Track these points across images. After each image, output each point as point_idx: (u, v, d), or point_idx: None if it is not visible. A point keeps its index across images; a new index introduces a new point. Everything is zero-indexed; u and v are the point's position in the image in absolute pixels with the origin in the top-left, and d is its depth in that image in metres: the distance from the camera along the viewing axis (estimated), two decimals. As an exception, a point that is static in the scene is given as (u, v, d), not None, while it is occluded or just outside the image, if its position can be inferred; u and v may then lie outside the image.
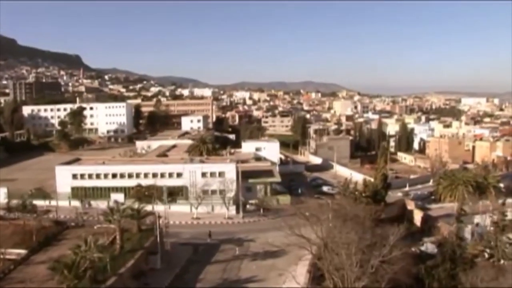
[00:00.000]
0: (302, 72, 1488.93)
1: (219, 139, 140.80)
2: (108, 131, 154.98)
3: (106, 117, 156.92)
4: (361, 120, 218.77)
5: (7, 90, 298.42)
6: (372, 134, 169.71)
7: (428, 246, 56.22)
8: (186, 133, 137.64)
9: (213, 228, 58.90)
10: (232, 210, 65.60)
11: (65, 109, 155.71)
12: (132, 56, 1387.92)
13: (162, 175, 70.02)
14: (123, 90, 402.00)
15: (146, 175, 70.60)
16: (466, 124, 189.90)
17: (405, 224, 43.97)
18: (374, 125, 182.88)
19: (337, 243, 37.21)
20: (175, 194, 68.85)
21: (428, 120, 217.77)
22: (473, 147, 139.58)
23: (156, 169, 71.76)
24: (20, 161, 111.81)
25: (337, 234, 38.54)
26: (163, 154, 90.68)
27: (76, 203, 68.64)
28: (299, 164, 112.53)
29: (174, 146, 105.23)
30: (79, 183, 71.69)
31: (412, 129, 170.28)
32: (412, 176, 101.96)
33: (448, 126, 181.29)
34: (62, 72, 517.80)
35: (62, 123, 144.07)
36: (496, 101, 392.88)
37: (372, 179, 69.83)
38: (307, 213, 45.79)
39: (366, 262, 35.14)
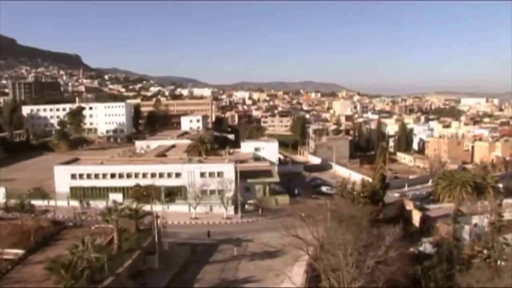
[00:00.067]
0: (302, 72, 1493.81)
1: (218, 139, 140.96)
2: (107, 131, 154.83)
3: (105, 117, 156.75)
4: (360, 120, 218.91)
5: (6, 90, 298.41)
6: (372, 134, 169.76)
7: (426, 246, 56.33)
8: (185, 133, 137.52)
9: (212, 228, 58.92)
10: (231, 210, 65.62)
11: (64, 109, 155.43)
12: (132, 56, 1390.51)
13: (161, 175, 70.09)
14: (122, 90, 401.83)
15: (144, 175, 70.65)
16: (466, 124, 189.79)
17: (401, 224, 43.87)
18: (373, 125, 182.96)
19: (333, 243, 37.22)
20: (173, 194, 69.09)
21: (427, 120, 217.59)
22: (472, 148, 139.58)
23: (154, 169, 71.79)
24: (19, 161, 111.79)
25: (333, 235, 38.54)
26: (162, 154, 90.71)
27: (74, 203, 68.77)
28: (298, 164, 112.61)
29: (173, 146, 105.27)
30: (78, 183, 71.74)
31: (412, 129, 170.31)
32: (411, 177, 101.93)
33: (447, 126, 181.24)
34: (61, 72, 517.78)
35: (61, 123, 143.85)
36: (496, 101, 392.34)
37: (370, 179, 69.80)
38: (302, 214, 45.76)
39: (362, 262, 35.16)
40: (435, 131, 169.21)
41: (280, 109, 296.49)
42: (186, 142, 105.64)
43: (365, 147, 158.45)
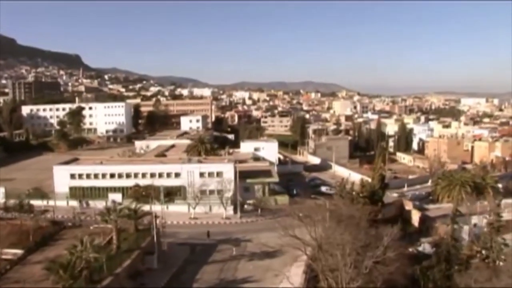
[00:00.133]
0: (302, 72, 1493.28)
1: (218, 139, 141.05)
2: (107, 131, 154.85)
3: (105, 117, 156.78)
4: (360, 120, 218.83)
5: (6, 90, 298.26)
6: (371, 134, 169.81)
7: (426, 246, 56.42)
8: (185, 133, 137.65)
9: (211, 228, 58.95)
10: (230, 210, 65.62)
11: (64, 109, 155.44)
12: (132, 56, 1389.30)
13: (160, 175, 70.06)
14: (122, 90, 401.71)
15: (144, 175, 70.61)
16: (465, 124, 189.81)
17: (399, 224, 43.84)
18: (373, 125, 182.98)
19: (332, 244, 37.21)
20: (173, 194, 69.12)
21: (427, 120, 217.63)
22: (472, 148, 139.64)
23: (154, 169, 71.78)
24: (18, 161, 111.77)
25: (331, 235, 38.54)
26: (161, 154, 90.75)
27: (74, 203, 68.77)
28: (297, 164, 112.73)
29: (172, 146, 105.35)
30: (77, 183, 71.70)
31: (411, 129, 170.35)
32: (410, 177, 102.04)
33: (447, 126, 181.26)
34: (61, 72, 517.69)
35: (61, 123, 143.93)
36: (496, 101, 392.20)
37: (369, 179, 69.81)
38: (300, 214, 45.76)
39: (361, 263, 35.16)
40: (435, 131, 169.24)
41: (280, 109, 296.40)
42: (185, 142, 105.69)
43: (364, 147, 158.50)
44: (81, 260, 35.55)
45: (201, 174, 69.84)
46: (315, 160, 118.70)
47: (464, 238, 54.63)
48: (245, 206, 67.92)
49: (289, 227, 42.50)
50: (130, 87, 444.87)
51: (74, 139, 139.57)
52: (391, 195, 76.80)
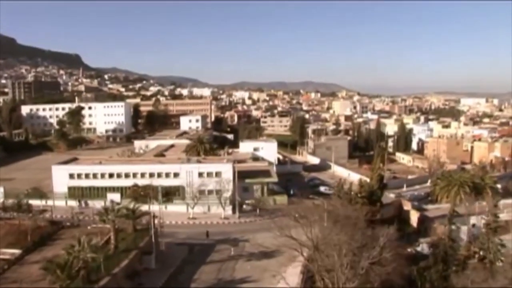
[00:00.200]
0: (302, 72, 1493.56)
1: (218, 139, 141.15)
2: (106, 131, 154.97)
3: (104, 117, 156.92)
4: (360, 120, 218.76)
5: (6, 90, 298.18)
6: (371, 134, 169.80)
7: (424, 247, 56.42)
8: (185, 133, 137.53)
9: (209, 228, 59.01)
10: (229, 210, 65.63)
11: (63, 109, 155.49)
12: (132, 55, 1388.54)
13: (159, 175, 70.06)
14: (122, 89, 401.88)
15: (143, 175, 70.55)
16: (465, 124, 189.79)
17: (396, 225, 43.85)
18: (373, 125, 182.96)
19: (328, 244, 37.22)
20: (171, 194, 69.09)
21: (427, 120, 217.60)
22: (472, 148, 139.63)
23: (153, 169, 71.78)
24: (18, 161, 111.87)
25: (328, 235, 38.54)
26: (160, 154, 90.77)
27: (72, 203, 68.79)
28: (297, 164, 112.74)
29: (172, 146, 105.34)
30: (76, 182, 71.70)
31: (411, 130, 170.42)
32: (410, 177, 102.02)
33: (447, 126, 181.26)
34: (61, 72, 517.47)
35: (60, 122, 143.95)
36: (496, 101, 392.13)
37: (368, 180, 69.79)
38: (296, 214, 45.76)
39: (357, 263, 35.18)
40: (434, 131, 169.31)
41: (279, 109, 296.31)
42: (185, 142, 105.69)
43: (364, 147, 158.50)
44: (78, 260, 35.60)
45: (200, 174, 69.82)
46: (314, 160, 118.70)
47: (463, 239, 54.62)
48: (244, 206, 67.91)
49: (285, 227, 42.47)
50: (130, 86, 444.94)
51: (73, 139, 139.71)
52: (389, 195, 76.73)
